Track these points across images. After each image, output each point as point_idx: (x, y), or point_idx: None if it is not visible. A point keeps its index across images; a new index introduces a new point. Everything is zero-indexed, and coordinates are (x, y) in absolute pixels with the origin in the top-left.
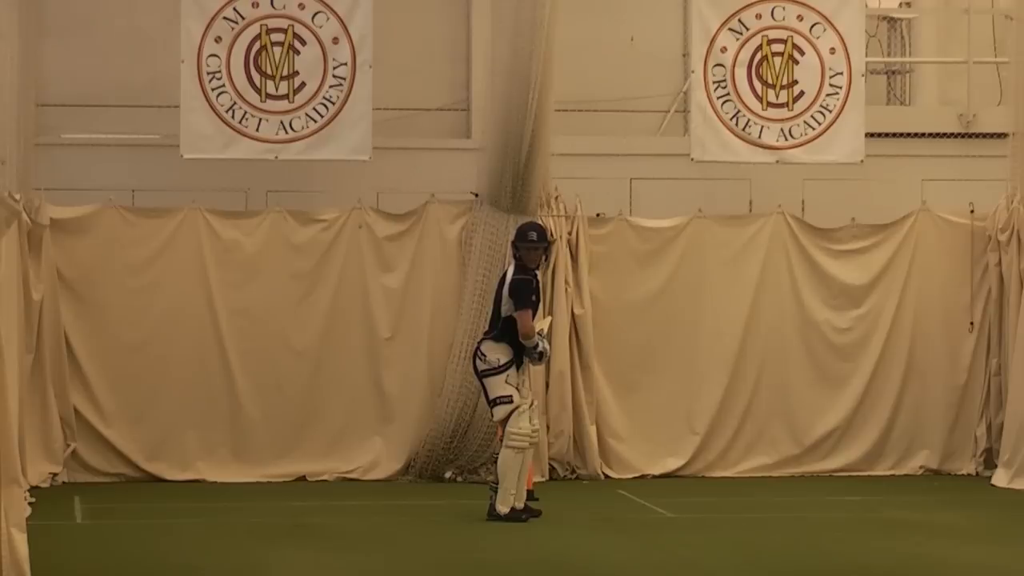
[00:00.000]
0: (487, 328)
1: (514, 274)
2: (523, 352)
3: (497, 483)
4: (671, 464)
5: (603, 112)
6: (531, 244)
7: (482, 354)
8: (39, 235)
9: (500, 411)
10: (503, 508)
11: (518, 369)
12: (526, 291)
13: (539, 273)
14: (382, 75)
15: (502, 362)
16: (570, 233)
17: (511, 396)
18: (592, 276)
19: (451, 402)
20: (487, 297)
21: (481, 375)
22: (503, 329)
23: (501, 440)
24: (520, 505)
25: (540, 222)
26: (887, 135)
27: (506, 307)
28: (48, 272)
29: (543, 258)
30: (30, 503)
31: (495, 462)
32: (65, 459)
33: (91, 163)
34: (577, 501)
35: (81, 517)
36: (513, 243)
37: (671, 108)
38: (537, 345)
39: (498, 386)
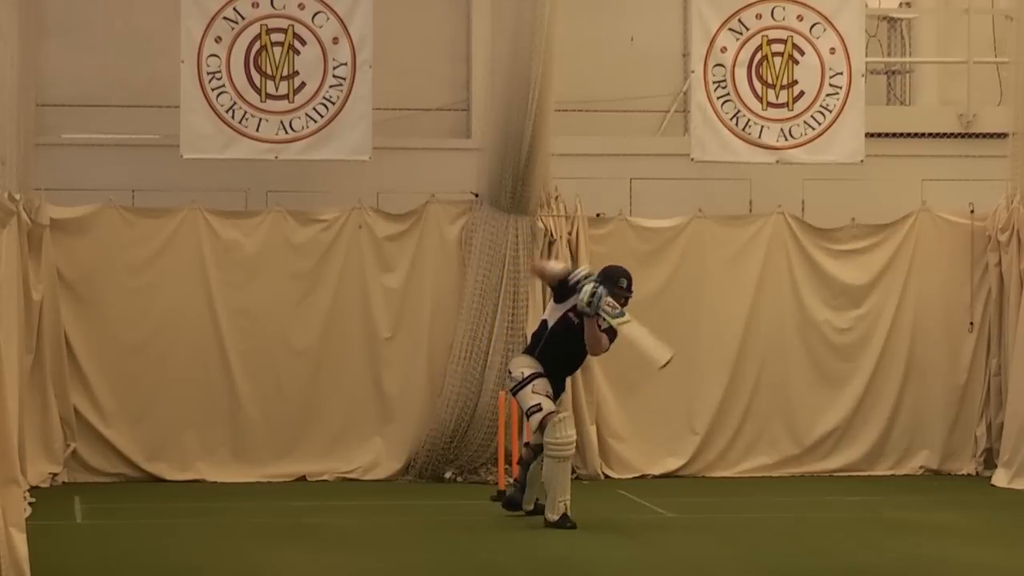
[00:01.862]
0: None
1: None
2: (554, 361)
3: (519, 483)
4: (671, 464)
5: (603, 112)
6: (620, 290)
7: (508, 371)
8: (39, 235)
9: (534, 421)
10: (552, 516)
11: (555, 380)
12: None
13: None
14: (382, 75)
15: (525, 375)
16: (570, 233)
17: (540, 404)
18: None
19: (451, 402)
20: (487, 297)
21: (512, 393)
22: (544, 350)
23: (527, 441)
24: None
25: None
26: (887, 135)
27: (547, 313)
28: (48, 272)
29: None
30: (30, 503)
31: (495, 462)
32: (65, 459)
33: (91, 163)
34: (577, 501)
35: (81, 517)
36: (601, 280)
37: (671, 108)
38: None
39: (526, 398)
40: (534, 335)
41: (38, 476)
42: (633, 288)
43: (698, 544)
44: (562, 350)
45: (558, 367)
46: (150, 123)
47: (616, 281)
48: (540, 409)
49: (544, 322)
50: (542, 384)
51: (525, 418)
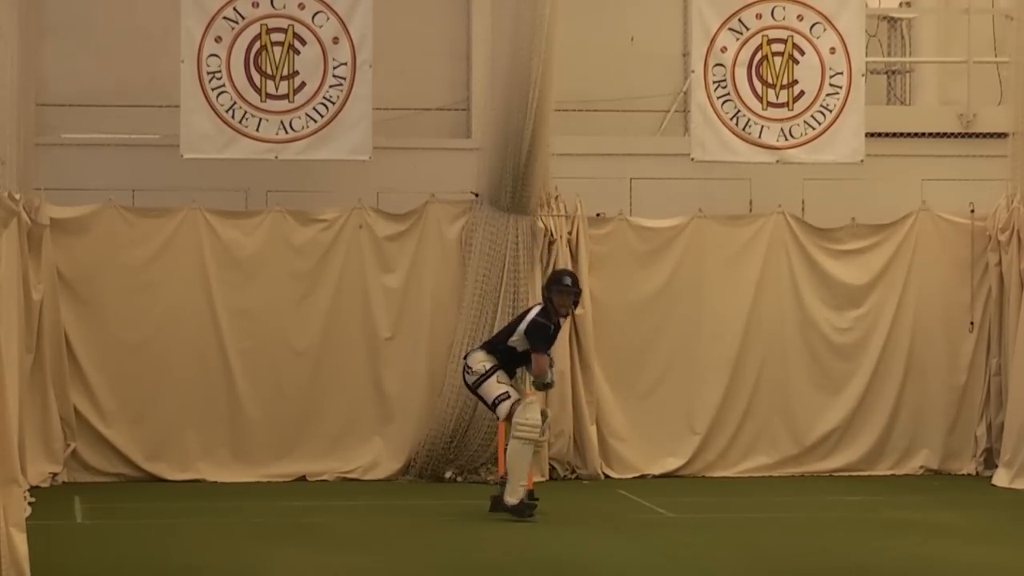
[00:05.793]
0: (485, 341)
1: (537, 315)
2: (511, 364)
3: (504, 479)
4: (671, 464)
5: (603, 112)
6: (564, 288)
7: (468, 367)
8: (39, 235)
9: (503, 409)
10: (511, 499)
11: (509, 374)
12: (545, 336)
13: (562, 321)
14: (382, 75)
15: (487, 368)
16: (570, 233)
17: (507, 392)
18: (592, 276)
19: (451, 402)
20: (487, 297)
21: (473, 387)
22: (502, 353)
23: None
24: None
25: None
26: (887, 135)
27: (516, 339)
28: (48, 272)
29: (572, 305)
30: (30, 503)
31: (495, 462)
32: (65, 459)
33: (91, 163)
34: (577, 501)
35: (81, 517)
36: (545, 287)
37: (671, 108)
38: (547, 380)
39: (492, 388)
40: (498, 336)
41: (38, 476)
42: (580, 284)
43: (698, 544)
44: (518, 361)
45: (511, 366)
46: (150, 123)
47: (559, 281)
48: (508, 397)
49: (510, 339)
50: (505, 375)
51: (492, 409)
